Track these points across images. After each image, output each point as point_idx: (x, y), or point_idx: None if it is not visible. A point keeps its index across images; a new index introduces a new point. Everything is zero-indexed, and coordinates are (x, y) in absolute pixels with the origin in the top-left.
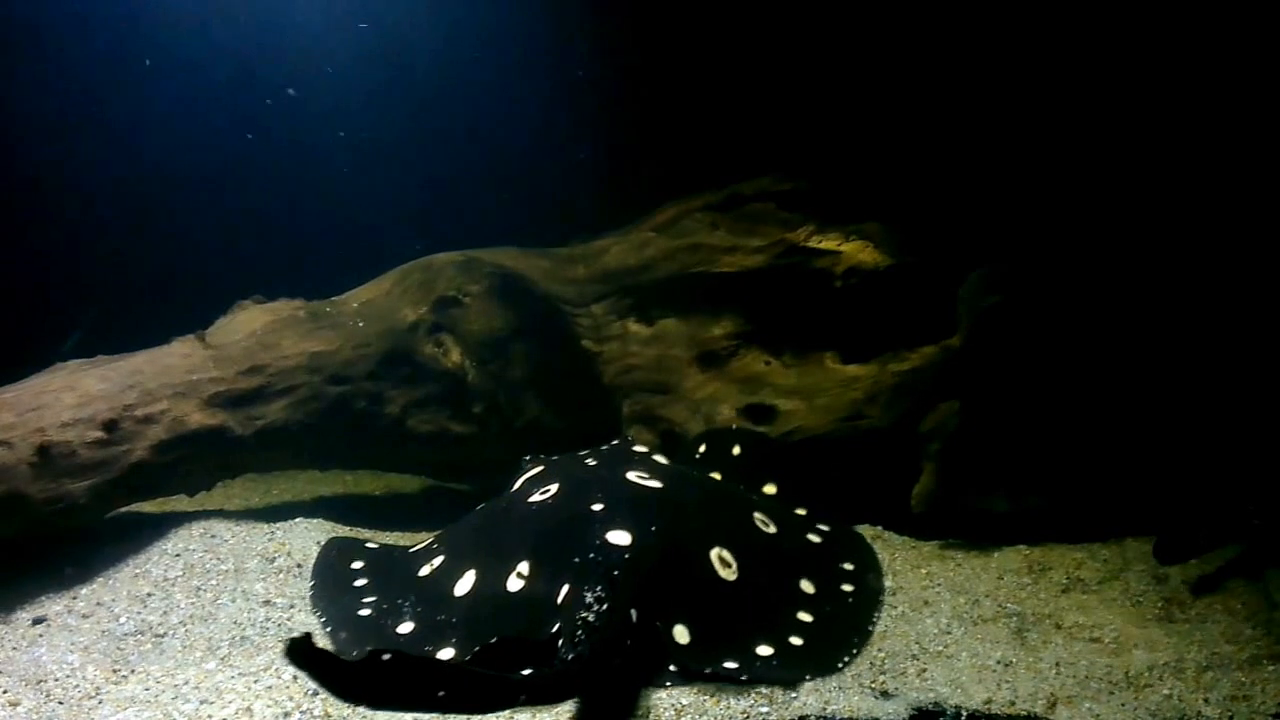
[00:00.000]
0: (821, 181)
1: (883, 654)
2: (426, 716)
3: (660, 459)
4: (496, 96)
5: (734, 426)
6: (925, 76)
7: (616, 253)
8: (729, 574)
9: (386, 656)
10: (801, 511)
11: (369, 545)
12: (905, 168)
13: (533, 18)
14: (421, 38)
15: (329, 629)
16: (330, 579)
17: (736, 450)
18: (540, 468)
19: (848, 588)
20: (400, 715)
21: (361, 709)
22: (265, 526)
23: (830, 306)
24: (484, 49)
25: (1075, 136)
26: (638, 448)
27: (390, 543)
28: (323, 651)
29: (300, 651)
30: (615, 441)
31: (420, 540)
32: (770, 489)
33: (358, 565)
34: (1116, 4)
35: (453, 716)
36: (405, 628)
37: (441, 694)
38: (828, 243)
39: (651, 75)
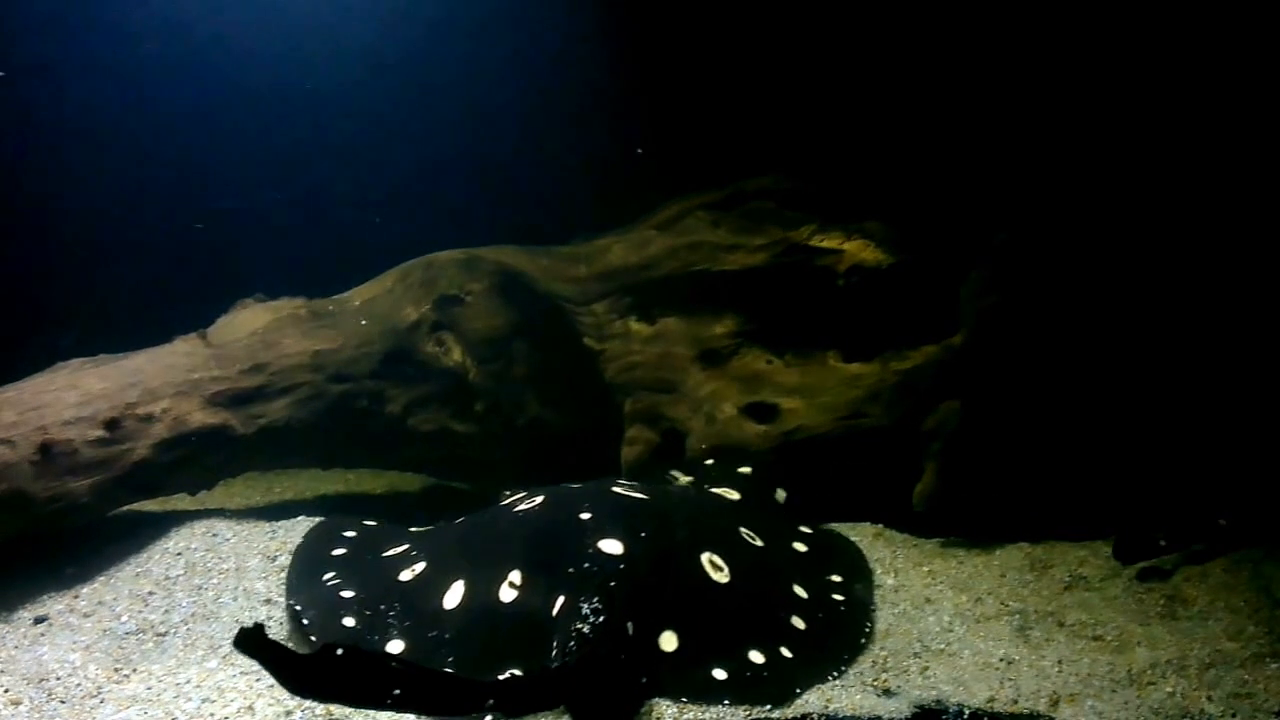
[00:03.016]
0: (823, 180)
1: (885, 652)
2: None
3: (643, 486)
4: (497, 95)
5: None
6: (926, 75)
7: (618, 251)
8: (721, 576)
9: (341, 650)
10: (806, 530)
11: (336, 552)
12: (907, 166)
13: (534, 15)
14: (424, 35)
15: (313, 639)
16: (312, 590)
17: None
18: (523, 492)
19: (838, 597)
20: (399, 716)
21: (363, 709)
22: (267, 525)
23: (832, 305)
24: (484, 46)
25: (1076, 135)
26: (621, 480)
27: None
28: (274, 642)
29: (251, 641)
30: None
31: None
32: (807, 528)
33: (335, 581)
34: (1115, 3)
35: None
36: (396, 646)
37: (396, 692)
38: (830, 241)
39: (653, 73)
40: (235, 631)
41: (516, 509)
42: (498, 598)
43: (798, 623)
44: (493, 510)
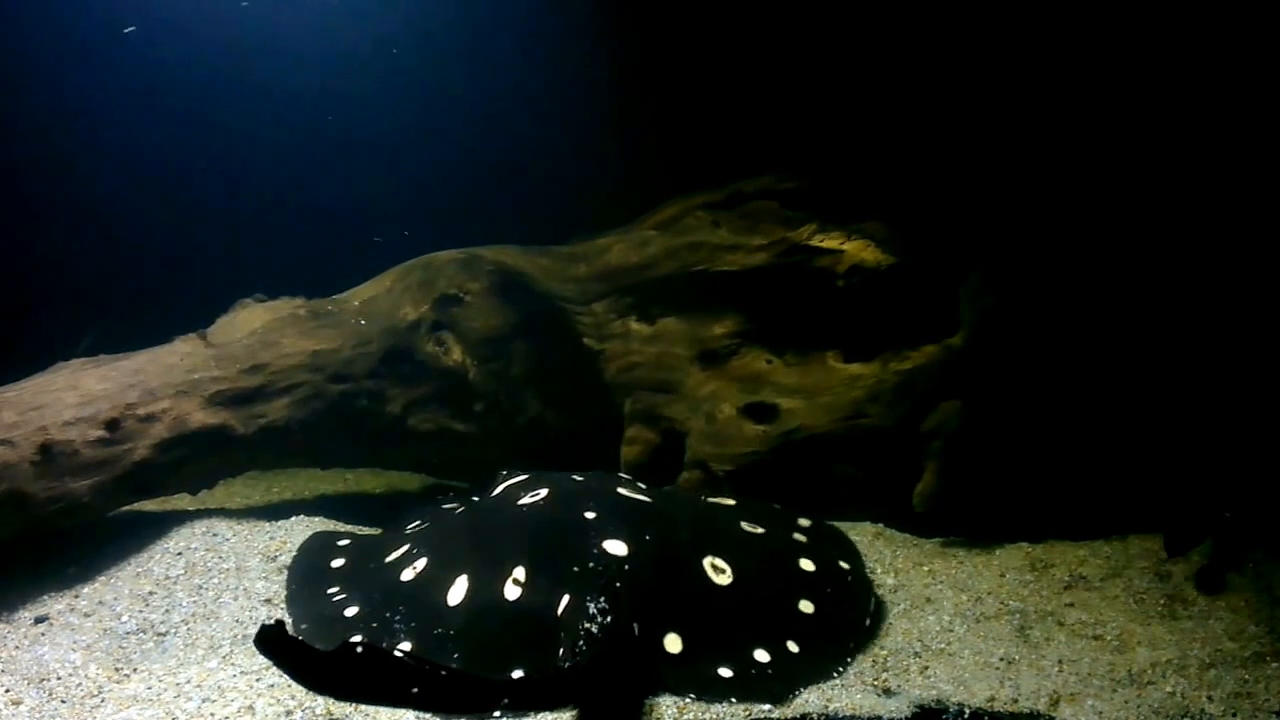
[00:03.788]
0: (824, 180)
1: (885, 652)
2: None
3: (644, 485)
4: (497, 93)
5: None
6: (927, 75)
7: (618, 251)
8: (723, 579)
9: (359, 649)
10: (805, 523)
11: (334, 564)
12: (907, 166)
13: (535, 14)
14: (423, 35)
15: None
16: (312, 604)
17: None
18: (523, 475)
19: (845, 566)
20: (398, 713)
21: (363, 707)
22: (266, 525)
23: (832, 305)
24: (484, 46)
25: (1076, 135)
26: (623, 475)
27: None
28: (293, 640)
29: (270, 640)
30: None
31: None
32: (805, 521)
33: (337, 593)
34: (1116, 4)
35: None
36: (404, 648)
37: (415, 690)
38: (830, 241)
39: (654, 73)
40: (245, 629)
41: (519, 502)
42: (502, 594)
43: (806, 606)
44: (493, 501)
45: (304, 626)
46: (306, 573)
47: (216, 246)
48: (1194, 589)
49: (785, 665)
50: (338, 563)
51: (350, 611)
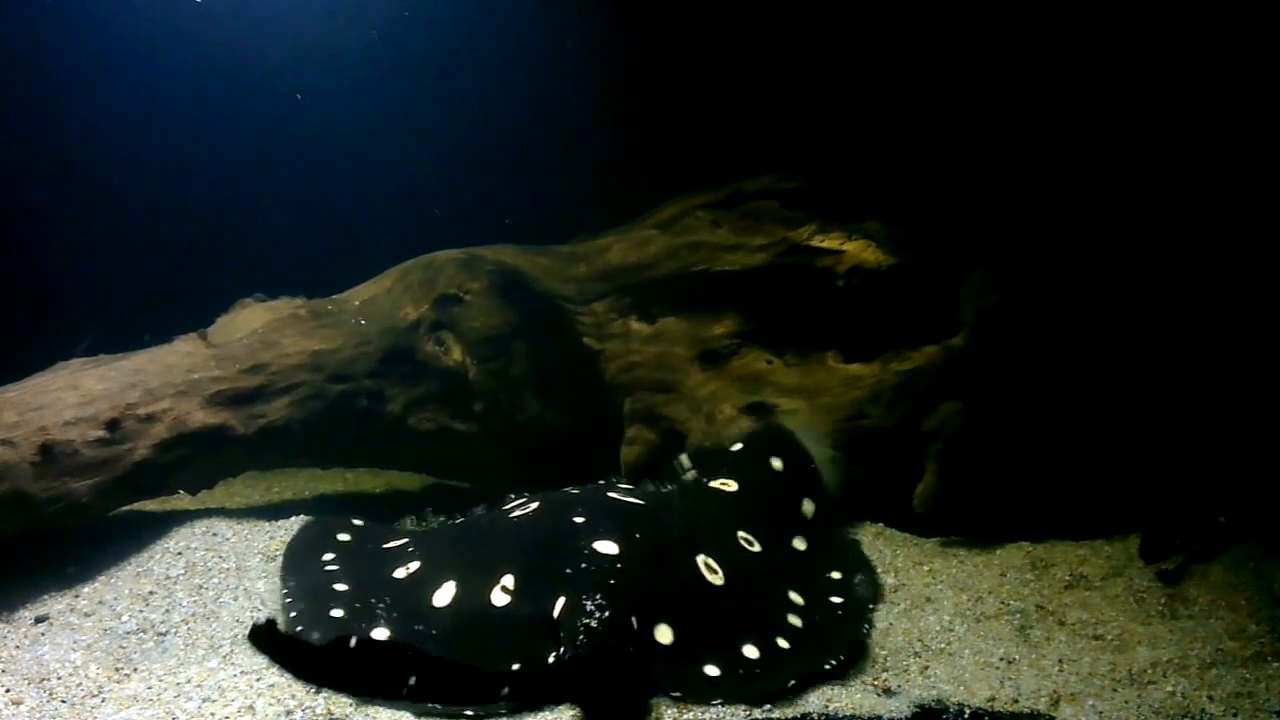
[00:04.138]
0: (824, 180)
1: (885, 651)
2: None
3: (641, 492)
4: (497, 93)
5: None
6: (927, 75)
7: (618, 250)
8: (716, 579)
9: (354, 642)
10: (808, 511)
11: (340, 538)
12: (908, 167)
13: (535, 13)
14: (420, 33)
15: (299, 629)
16: (303, 575)
17: (778, 464)
18: (525, 496)
19: (836, 600)
20: (398, 713)
21: (364, 707)
22: (267, 525)
23: (832, 306)
24: (483, 44)
25: (1076, 136)
26: (622, 485)
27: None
28: (287, 636)
29: (264, 636)
30: (601, 482)
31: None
32: (809, 506)
33: (329, 560)
34: (1116, 4)
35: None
36: (380, 634)
37: (413, 680)
38: (830, 242)
39: (654, 72)
40: (244, 629)
41: (511, 515)
42: (489, 600)
43: (794, 620)
44: (490, 515)
45: (293, 585)
46: (309, 542)
47: (216, 247)
48: (1191, 588)
49: (775, 662)
50: (344, 536)
51: (340, 586)
